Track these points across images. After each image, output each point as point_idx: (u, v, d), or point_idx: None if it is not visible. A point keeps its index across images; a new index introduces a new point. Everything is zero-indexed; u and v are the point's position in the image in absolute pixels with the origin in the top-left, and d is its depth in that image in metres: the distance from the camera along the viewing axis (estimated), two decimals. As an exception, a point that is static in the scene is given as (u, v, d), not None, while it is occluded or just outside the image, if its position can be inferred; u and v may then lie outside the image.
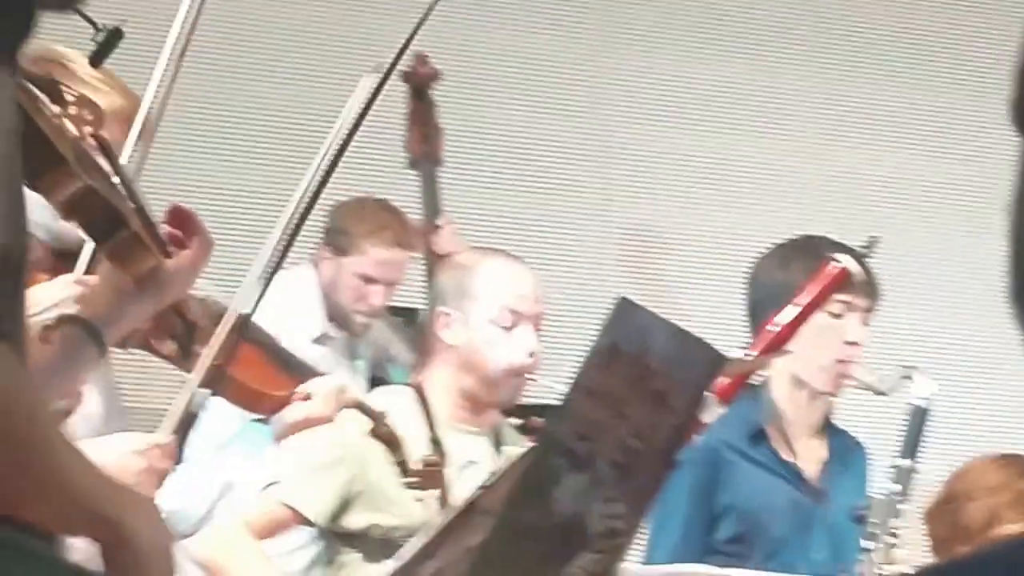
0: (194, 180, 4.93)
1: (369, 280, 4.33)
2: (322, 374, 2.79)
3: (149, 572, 1.57)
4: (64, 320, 1.94)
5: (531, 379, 3.46)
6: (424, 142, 4.57)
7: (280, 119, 5.19)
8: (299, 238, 2.44)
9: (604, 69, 5.60)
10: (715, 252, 5.38)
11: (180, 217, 2.07)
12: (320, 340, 4.34)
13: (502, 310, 3.42)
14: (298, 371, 2.74)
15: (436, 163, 4.61)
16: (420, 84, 4.62)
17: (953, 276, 5.54)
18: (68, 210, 1.91)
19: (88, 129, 1.93)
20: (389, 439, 2.85)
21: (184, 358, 2.34)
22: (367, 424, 2.86)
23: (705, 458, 3.42)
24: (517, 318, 3.43)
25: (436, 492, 3.02)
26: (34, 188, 1.85)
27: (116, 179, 1.98)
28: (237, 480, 3.84)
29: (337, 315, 4.38)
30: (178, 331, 2.28)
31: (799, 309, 2.64)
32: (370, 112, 2.42)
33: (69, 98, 1.92)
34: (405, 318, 4.55)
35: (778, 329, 2.62)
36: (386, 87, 2.48)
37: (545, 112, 5.53)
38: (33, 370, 1.88)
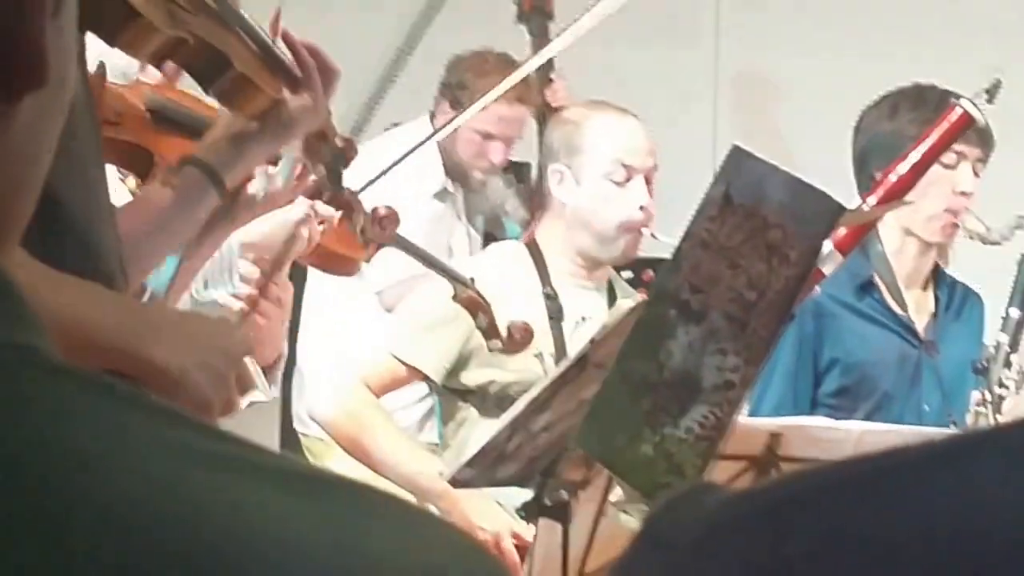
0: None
1: (488, 136, 4.26)
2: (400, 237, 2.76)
3: (192, 395, 1.54)
4: (185, 162, 1.91)
5: (645, 234, 3.43)
6: None
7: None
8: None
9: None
10: (831, 99, 5.28)
11: (305, 51, 2.02)
12: (440, 195, 4.31)
13: (615, 164, 3.39)
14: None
15: (547, 16, 4.53)
16: None
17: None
18: (157, 61, 1.85)
19: None
20: (470, 304, 2.83)
21: (335, 183, 2.30)
22: (449, 290, 2.84)
23: (810, 311, 3.39)
24: (630, 172, 3.40)
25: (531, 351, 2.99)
26: (115, 47, 1.79)
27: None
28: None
29: (454, 170, 4.34)
30: (327, 157, 2.24)
31: (920, 157, 2.58)
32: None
33: None
34: (517, 173, 4.52)
35: (898, 178, 2.57)
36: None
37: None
38: (154, 212, 1.88)
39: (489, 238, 4.40)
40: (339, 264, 2.47)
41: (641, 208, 3.38)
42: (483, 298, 2.79)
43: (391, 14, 5.09)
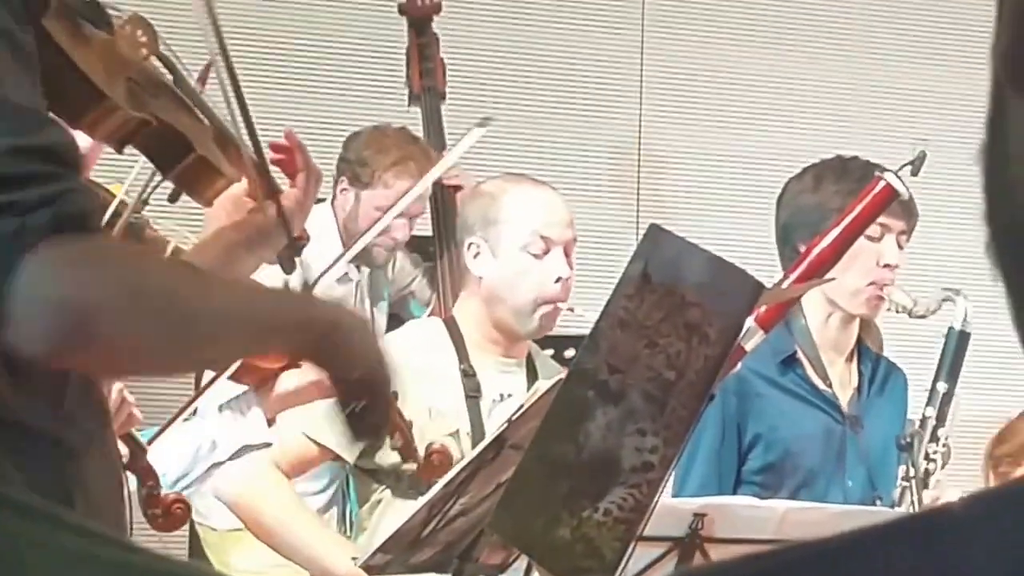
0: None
1: None
2: None
3: (359, 347, 1.69)
4: None
5: (563, 308, 3.39)
6: (425, 76, 4.48)
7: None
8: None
9: (628, -12, 5.50)
10: (754, 174, 5.27)
11: (285, 149, 2.00)
12: (342, 280, 4.26)
13: (533, 236, 3.35)
14: None
15: (439, 97, 4.52)
16: (420, 17, 4.50)
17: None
18: (120, 145, 1.81)
19: (144, 51, 1.83)
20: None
21: (288, 262, 2.22)
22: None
23: (733, 387, 3.35)
24: (548, 244, 3.35)
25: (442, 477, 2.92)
26: (77, 129, 1.74)
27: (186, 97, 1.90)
28: (221, 438, 3.82)
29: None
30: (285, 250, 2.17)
31: (843, 231, 2.53)
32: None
33: (118, 20, 1.82)
34: (421, 248, 4.49)
35: (820, 252, 2.52)
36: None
37: (572, 32, 5.42)
38: None
39: (394, 319, 4.36)
40: (254, 377, 2.40)
41: (558, 280, 3.34)
42: (402, 417, 2.73)
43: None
